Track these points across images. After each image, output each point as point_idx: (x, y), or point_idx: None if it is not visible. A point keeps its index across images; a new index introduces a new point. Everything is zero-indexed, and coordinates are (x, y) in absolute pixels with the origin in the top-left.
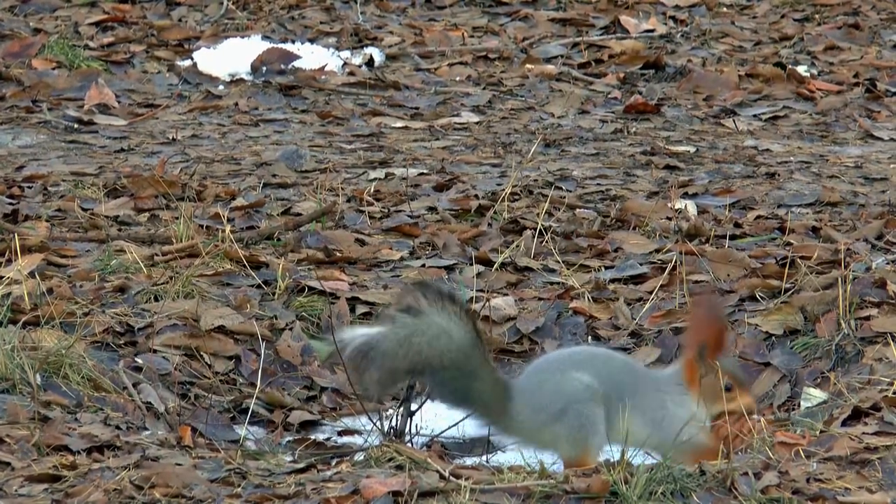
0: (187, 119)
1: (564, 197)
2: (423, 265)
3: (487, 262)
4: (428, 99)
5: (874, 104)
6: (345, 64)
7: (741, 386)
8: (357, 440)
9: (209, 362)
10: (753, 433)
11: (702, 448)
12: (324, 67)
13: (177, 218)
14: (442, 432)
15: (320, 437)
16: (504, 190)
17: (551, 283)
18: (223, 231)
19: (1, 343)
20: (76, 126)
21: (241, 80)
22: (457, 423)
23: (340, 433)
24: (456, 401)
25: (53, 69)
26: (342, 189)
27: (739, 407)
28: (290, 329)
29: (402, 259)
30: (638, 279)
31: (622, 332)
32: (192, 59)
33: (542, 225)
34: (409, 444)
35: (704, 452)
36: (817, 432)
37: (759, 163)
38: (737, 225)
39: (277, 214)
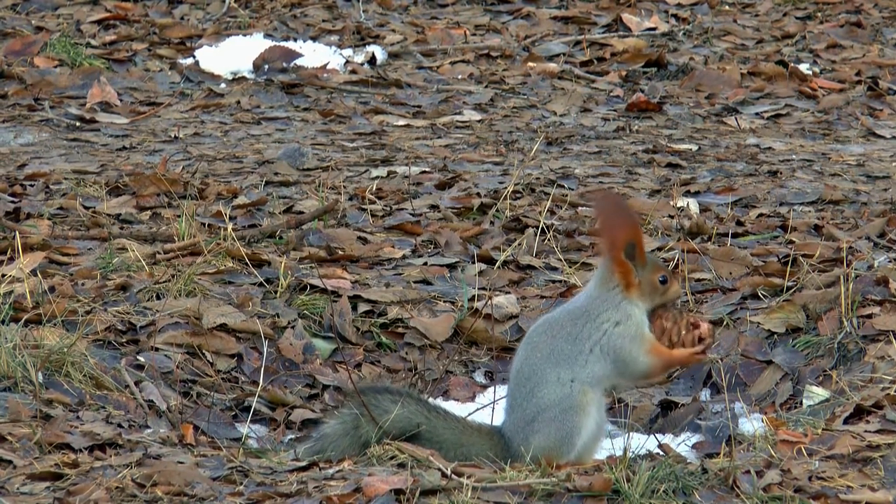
0: (189, 117)
1: (566, 195)
2: (425, 263)
3: (489, 261)
4: (430, 97)
5: (876, 102)
6: (347, 62)
7: (672, 276)
8: None
9: (211, 360)
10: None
11: (655, 361)
12: (326, 65)
13: (179, 216)
14: None
15: None
16: (506, 188)
17: (553, 282)
18: (225, 229)
19: (3, 341)
20: (78, 124)
21: (243, 78)
22: None
23: None
24: (467, 460)
25: (55, 67)
26: (344, 187)
27: (676, 294)
28: (292, 327)
29: (404, 257)
30: None
31: None
32: (194, 57)
33: (544, 223)
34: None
35: (659, 363)
36: (819, 430)
37: (761, 161)
38: (739, 223)
39: (279, 213)
